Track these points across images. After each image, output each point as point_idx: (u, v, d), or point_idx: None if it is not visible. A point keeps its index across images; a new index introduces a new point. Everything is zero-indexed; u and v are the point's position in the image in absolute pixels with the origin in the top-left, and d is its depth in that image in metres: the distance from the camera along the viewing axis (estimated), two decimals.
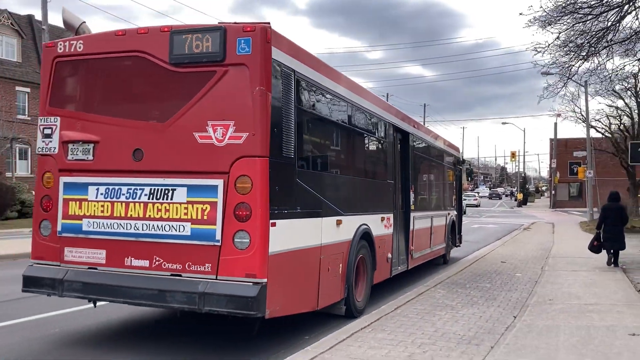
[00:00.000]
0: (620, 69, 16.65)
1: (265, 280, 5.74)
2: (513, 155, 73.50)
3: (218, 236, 5.88)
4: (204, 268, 5.91)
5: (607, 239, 13.71)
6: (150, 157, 6.21)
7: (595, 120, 39.24)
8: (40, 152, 6.86)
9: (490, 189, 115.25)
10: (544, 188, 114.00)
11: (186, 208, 6.01)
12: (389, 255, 9.96)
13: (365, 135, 9.25)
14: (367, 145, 9.53)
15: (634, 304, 8.94)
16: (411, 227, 11.33)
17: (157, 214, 6.11)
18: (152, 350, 6.60)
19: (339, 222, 7.56)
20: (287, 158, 6.22)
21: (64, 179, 6.66)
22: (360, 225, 8.38)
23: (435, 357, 5.91)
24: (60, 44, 6.79)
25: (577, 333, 7.00)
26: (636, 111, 36.35)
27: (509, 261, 15.02)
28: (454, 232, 16.12)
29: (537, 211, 57.81)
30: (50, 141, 6.78)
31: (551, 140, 62.99)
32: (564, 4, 13.89)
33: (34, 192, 6.89)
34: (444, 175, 15.22)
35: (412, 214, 11.34)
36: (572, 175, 43.77)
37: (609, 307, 8.67)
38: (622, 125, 38.07)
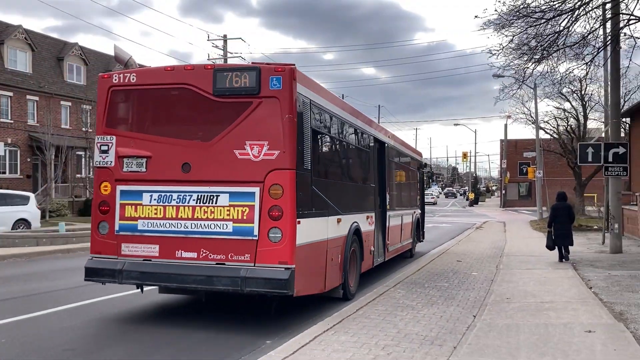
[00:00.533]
0: (570, 72, 17.13)
1: (294, 266, 7.09)
2: (465, 155, 75.04)
3: (255, 232, 7.19)
4: (244, 257, 7.20)
5: (558, 236, 14.60)
6: (197, 170, 7.50)
7: (544, 122, 40.36)
8: (98, 165, 8.03)
9: (445, 188, 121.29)
10: (494, 188, 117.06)
11: (228, 210, 7.31)
12: (372, 248, 11.47)
13: (356, 147, 10.83)
14: (357, 155, 11.02)
15: (587, 301, 9.16)
16: (387, 224, 12.77)
17: (204, 215, 7.39)
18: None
19: (339, 220, 8.99)
20: (306, 170, 7.62)
21: (120, 187, 7.83)
22: (353, 223, 9.79)
23: (399, 359, 5.86)
24: (115, 76, 8.01)
25: (537, 331, 7.09)
26: (582, 113, 37.62)
27: (465, 260, 15.23)
28: (418, 229, 17.89)
29: (488, 210, 59.13)
30: (107, 156, 7.96)
31: (501, 141, 64.47)
32: (517, 8, 14.16)
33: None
34: (410, 178, 16.84)
35: (387, 213, 12.79)
36: (521, 175, 44.87)
37: (564, 305, 8.84)
38: (569, 127, 39.28)
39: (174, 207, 7.52)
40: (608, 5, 15.87)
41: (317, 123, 8.28)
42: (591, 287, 10.57)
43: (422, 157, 19.63)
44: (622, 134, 27.71)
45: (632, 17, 14.78)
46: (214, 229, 7.33)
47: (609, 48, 16.12)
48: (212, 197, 7.38)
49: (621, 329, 7.16)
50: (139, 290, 8.51)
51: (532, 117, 39.06)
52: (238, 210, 7.26)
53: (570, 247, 15.05)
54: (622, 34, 15.40)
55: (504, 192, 66.65)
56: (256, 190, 7.22)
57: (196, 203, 7.43)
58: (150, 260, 7.59)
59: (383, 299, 9.23)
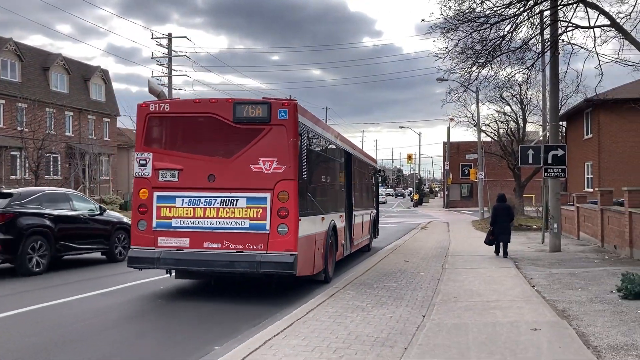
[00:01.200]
0: (512, 76, 17.63)
1: (296, 252, 9.19)
2: (409, 157, 76.46)
3: (267, 227, 9.21)
4: (258, 247, 9.22)
5: (499, 233, 16.10)
6: (220, 179, 9.46)
7: (486, 124, 41.39)
8: (137, 176, 9.85)
9: (394, 189, 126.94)
10: (437, 189, 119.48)
11: (246, 211, 9.29)
12: (343, 241, 13.66)
13: (333, 159, 13.09)
14: (334, 165, 13.13)
15: (531, 299, 9.39)
16: (353, 222, 14.94)
17: (226, 214, 9.35)
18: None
19: (322, 219, 11.17)
20: (303, 179, 9.65)
21: (157, 193, 9.71)
22: (331, 221, 12.00)
23: None
24: (152, 105, 9.91)
25: (485, 330, 7.18)
26: (521, 117, 38.89)
27: (411, 260, 15.40)
28: (375, 226, 20.17)
29: (432, 211, 60.24)
30: (145, 168, 9.81)
31: (444, 143, 65.76)
32: (463, 12, 14.45)
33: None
34: (369, 182, 19.30)
35: (353, 213, 14.98)
36: (464, 176, 45.93)
37: (509, 303, 9.03)
38: (509, 130, 40.42)
39: (202, 209, 9.45)
40: (547, 13, 16.41)
41: (310, 143, 10.36)
42: (534, 286, 10.86)
43: (376, 163, 22.31)
44: (559, 137, 28.82)
45: (569, 25, 15.35)
46: (235, 225, 9.31)
47: (547, 54, 16.68)
48: (233, 201, 9.35)
49: (565, 326, 7.36)
50: (168, 275, 10.71)
51: (474, 120, 40.05)
52: (254, 210, 9.27)
53: (510, 245, 16.47)
54: (560, 40, 15.97)
55: (447, 193, 67.99)
56: (268, 195, 9.26)
57: (220, 205, 9.39)
58: (182, 250, 9.47)
59: (333, 300, 9.17)
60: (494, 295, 9.81)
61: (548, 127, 18.79)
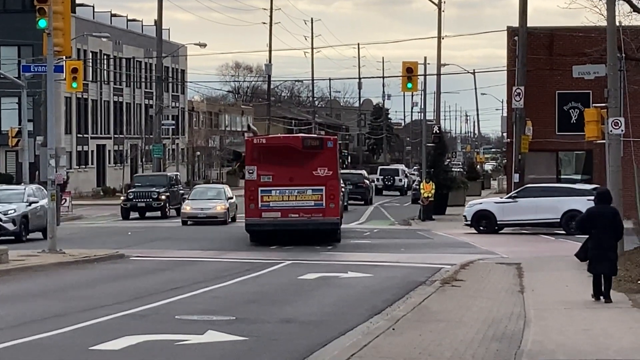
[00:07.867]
0: None
1: (340, 218, 26.35)
2: (409, 74, 31.43)
3: (323, 205, 24.28)
4: (319, 215, 24.35)
5: (594, 257, 11.10)
6: (296, 180, 24.20)
7: None
8: (248, 179, 24.28)
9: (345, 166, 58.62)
10: (489, 166, 60.11)
11: (311, 196, 24.14)
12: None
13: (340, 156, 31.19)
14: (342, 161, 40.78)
15: None
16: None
17: (301, 198, 24.12)
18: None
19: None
20: (338, 179, 26.76)
21: (261, 188, 23.85)
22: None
23: None
24: (255, 140, 26.43)
25: None
26: None
27: None
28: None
29: (474, 232, 28.09)
30: (252, 174, 23.73)
31: (512, 32, 29.63)
32: None
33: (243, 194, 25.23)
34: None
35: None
36: (565, 130, 22.03)
37: None
38: None
39: (287, 196, 23.25)
40: None
41: (339, 155, 28.47)
42: None
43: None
44: None
45: None
46: (306, 204, 23.35)
47: None
48: (304, 191, 23.27)
49: None
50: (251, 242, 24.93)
51: None
52: (316, 195, 23.28)
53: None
54: None
55: (517, 177, 29.54)
56: (323, 187, 23.41)
57: (297, 194, 23.29)
58: (276, 219, 23.40)
59: None
60: None
61: None
